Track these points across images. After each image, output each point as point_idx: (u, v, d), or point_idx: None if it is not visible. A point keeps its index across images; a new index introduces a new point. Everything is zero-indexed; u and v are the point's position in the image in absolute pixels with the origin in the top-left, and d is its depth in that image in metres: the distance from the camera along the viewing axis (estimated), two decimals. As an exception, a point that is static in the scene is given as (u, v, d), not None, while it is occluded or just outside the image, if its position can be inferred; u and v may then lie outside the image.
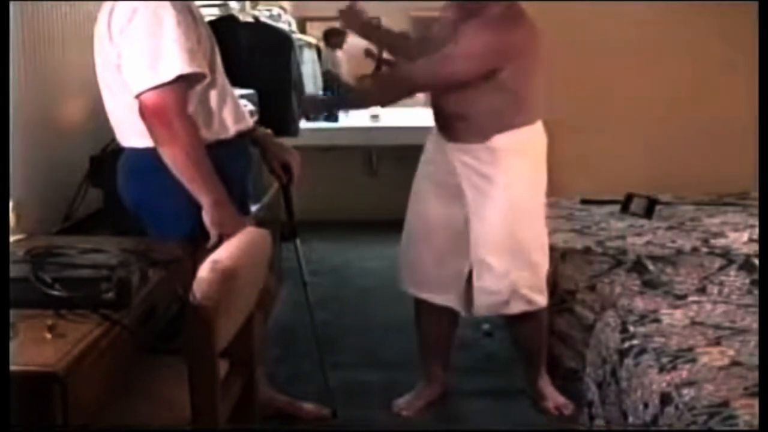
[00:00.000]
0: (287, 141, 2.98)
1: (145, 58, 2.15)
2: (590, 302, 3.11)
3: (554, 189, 4.18)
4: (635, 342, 2.23)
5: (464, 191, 2.82)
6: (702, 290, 2.98)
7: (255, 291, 2.11)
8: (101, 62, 2.31)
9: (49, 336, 1.57)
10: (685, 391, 1.90)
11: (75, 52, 2.78)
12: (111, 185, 2.44)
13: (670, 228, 3.49)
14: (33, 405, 1.47)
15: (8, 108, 2.22)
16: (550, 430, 2.94)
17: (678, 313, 2.38)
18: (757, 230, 3.23)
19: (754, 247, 3.13)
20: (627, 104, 4.29)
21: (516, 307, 2.87)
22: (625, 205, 3.78)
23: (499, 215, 2.80)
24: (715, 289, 3.00)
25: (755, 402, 1.77)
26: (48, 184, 2.63)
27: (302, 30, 6.79)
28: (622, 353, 2.24)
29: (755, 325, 2.26)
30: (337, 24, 7.62)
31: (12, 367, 1.44)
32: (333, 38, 7.47)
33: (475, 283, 2.84)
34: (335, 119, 6.22)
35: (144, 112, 2.17)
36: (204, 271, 1.78)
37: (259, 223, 2.59)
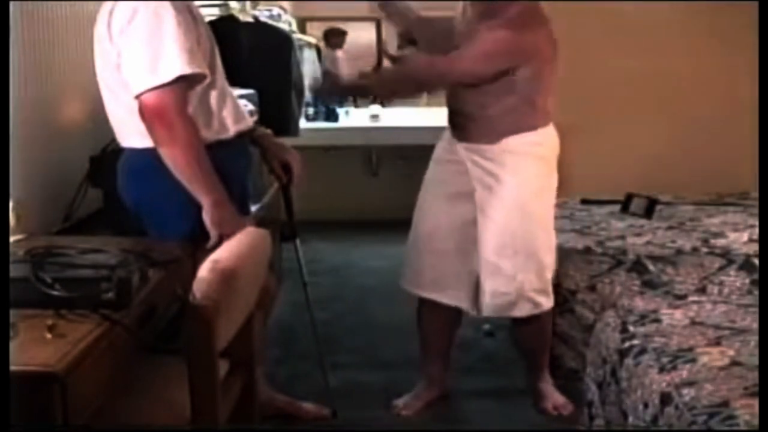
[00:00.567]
0: (287, 141, 2.98)
1: (145, 59, 2.15)
2: (590, 302, 3.11)
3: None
4: (635, 342, 2.23)
5: (474, 191, 2.81)
6: (702, 290, 2.98)
7: (255, 291, 2.11)
8: (101, 62, 2.31)
9: (49, 336, 1.57)
10: (685, 391, 1.90)
11: (75, 52, 2.78)
12: (111, 185, 2.44)
13: (670, 228, 3.49)
14: (33, 405, 1.47)
15: (8, 108, 2.22)
16: (550, 430, 2.94)
17: (678, 313, 2.38)
18: (757, 230, 3.23)
19: (754, 247, 3.13)
20: (627, 104, 4.29)
21: (522, 310, 2.87)
22: (625, 205, 3.78)
23: (509, 216, 2.80)
24: (715, 289, 3.00)
25: (755, 402, 1.77)
26: (48, 184, 2.63)
27: (302, 30, 6.78)
28: (622, 353, 2.24)
29: (755, 325, 2.26)
30: (337, 24, 7.64)
31: (12, 367, 1.44)
32: (333, 38, 7.47)
33: (483, 284, 2.83)
34: (335, 119, 6.22)
35: (144, 113, 2.17)
36: (204, 271, 1.78)
37: (259, 223, 2.59)
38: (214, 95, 2.35)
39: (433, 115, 6.56)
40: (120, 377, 1.78)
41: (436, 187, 2.93)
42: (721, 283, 3.02)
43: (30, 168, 2.49)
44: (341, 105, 6.68)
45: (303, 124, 5.19)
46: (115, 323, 1.67)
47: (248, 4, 4.68)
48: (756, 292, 2.85)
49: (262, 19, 4.62)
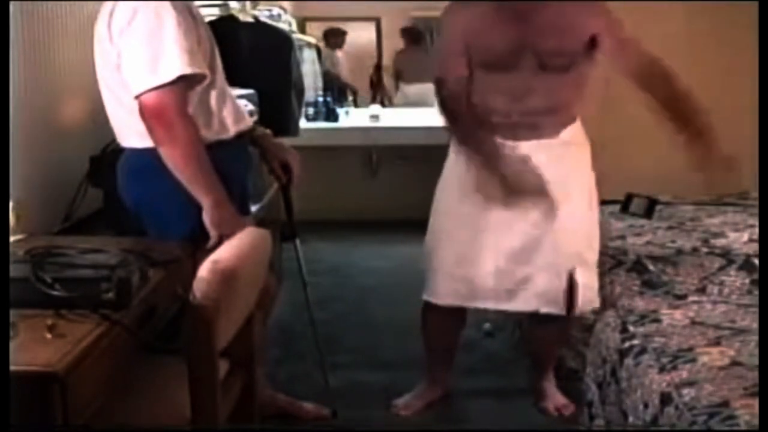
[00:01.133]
0: (287, 141, 2.98)
1: (145, 59, 2.15)
2: (590, 302, 3.10)
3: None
4: (635, 342, 2.23)
5: (546, 190, 2.70)
6: (702, 290, 2.98)
7: (255, 291, 2.11)
8: (101, 62, 2.31)
9: (49, 336, 1.57)
10: (685, 391, 1.90)
11: (75, 52, 2.78)
12: (111, 185, 2.44)
13: (670, 228, 3.49)
14: (33, 405, 1.47)
15: (8, 108, 2.22)
16: (550, 430, 2.94)
17: (678, 313, 2.38)
18: (757, 230, 3.23)
19: (754, 247, 3.13)
20: (627, 104, 4.28)
21: (594, 303, 2.82)
22: (625, 205, 3.78)
23: (584, 207, 2.79)
24: (715, 289, 3.00)
25: (755, 402, 1.77)
26: (48, 184, 2.63)
27: (302, 30, 6.79)
28: (622, 353, 2.24)
29: (755, 325, 2.26)
30: (337, 24, 7.65)
31: (12, 367, 1.44)
32: (333, 38, 7.48)
33: (578, 279, 2.76)
34: (335, 119, 6.23)
35: (144, 113, 2.17)
36: (204, 271, 1.78)
37: (259, 223, 2.59)
38: (214, 95, 2.35)
39: (433, 115, 6.58)
40: (120, 377, 1.78)
41: (487, 195, 2.73)
42: (721, 283, 3.02)
43: (30, 168, 2.49)
44: (341, 105, 6.70)
45: (303, 124, 5.19)
46: (115, 323, 1.67)
47: (248, 4, 4.68)
48: (756, 292, 2.85)
49: (262, 19, 4.62)
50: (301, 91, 4.39)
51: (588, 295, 2.80)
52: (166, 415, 1.90)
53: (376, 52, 8.25)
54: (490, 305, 2.87)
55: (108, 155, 2.59)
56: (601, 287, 3.00)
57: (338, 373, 3.16)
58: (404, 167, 6.02)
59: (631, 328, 2.31)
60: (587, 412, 2.51)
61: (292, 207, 2.94)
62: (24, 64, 2.48)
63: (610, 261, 3.14)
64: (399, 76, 7.78)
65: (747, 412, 1.75)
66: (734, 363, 2.01)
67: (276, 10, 5.21)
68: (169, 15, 2.17)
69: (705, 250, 3.17)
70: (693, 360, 2.04)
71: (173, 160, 2.19)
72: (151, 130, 2.18)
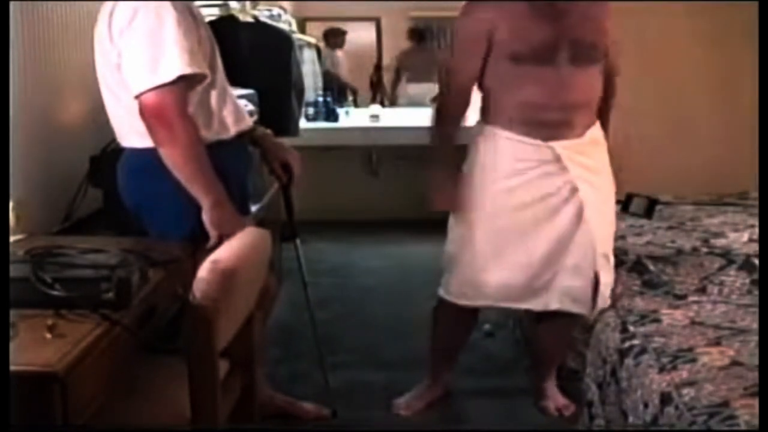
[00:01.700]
0: (287, 141, 2.98)
1: (146, 59, 2.15)
2: (590, 302, 3.10)
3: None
4: (635, 342, 2.23)
5: (576, 190, 2.68)
6: (702, 290, 2.98)
7: (255, 291, 2.11)
8: (101, 62, 2.31)
9: (49, 336, 1.57)
10: (685, 391, 1.90)
11: (75, 52, 2.78)
12: (111, 185, 2.44)
13: (670, 228, 3.49)
14: (33, 405, 1.47)
15: (8, 108, 2.22)
16: (550, 430, 2.94)
17: (678, 313, 2.38)
18: (757, 230, 3.23)
19: (754, 247, 3.13)
20: (627, 104, 4.28)
21: (607, 302, 2.79)
22: (625, 205, 3.78)
23: (609, 207, 2.79)
24: (715, 289, 3.00)
25: (755, 402, 1.77)
26: (48, 184, 2.63)
27: (302, 30, 6.79)
28: (622, 353, 2.25)
29: (755, 325, 2.26)
30: (337, 24, 7.65)
31: (12, 367, 1.44)
32: (333, 38, 7.48)
33: (601, 278, 2.74)
34: (335, 119, 6.23)
35: (144, 113, 2.17)
36: (204, 271, 1.78)
37: (259, 223, 2.59)
38: (214, 95, 2.35)
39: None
40: (120, 377, 1.78)
41: (519, 198, 2.70)
42: (721, 283, 3.01)
43: (30, 168, 2.49)
44: (341, 105, 6.70)
45: (303, 124, 5.19)
46: (115, 323, 1.67)
47: (248, 4, 4.68)
48: (756, 292, 2.85)
49: (262, 19, 4.62)
50: (301, 91, 4.39)
51: (606, 294, 2.79)
52: (166, 415, 1.90)
53: (376, 52, 8.26)
54: (514, 305, 2.84)
55: (108, 155, 2.59)
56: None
57: (338, 373, 3.16)
58: (404, 167, 6.02)
59: (631, 328, 2.31)
60: (587, 412, 2.51)
61: (292, 207, 2.94)
62: (24, 64, 2.48)
63: (610, 261, 3.14)
64: (402, 76, 7.80)
65: (747, 412, 1.75)
66: (734, 363, 2.01)
67: (276, 10, 5.22)
68: (169, 15, 2.17)
69: (705, 250, 3.17)
70: (693, 360, 2.04)
71: (173, 160, 2.19)
72: (150, 130, 2.18)
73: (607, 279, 2.76)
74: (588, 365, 2.55)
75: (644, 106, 4.26)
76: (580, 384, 2.69)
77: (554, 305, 2.77)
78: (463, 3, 2.71)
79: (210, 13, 4.03)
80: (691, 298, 2.70)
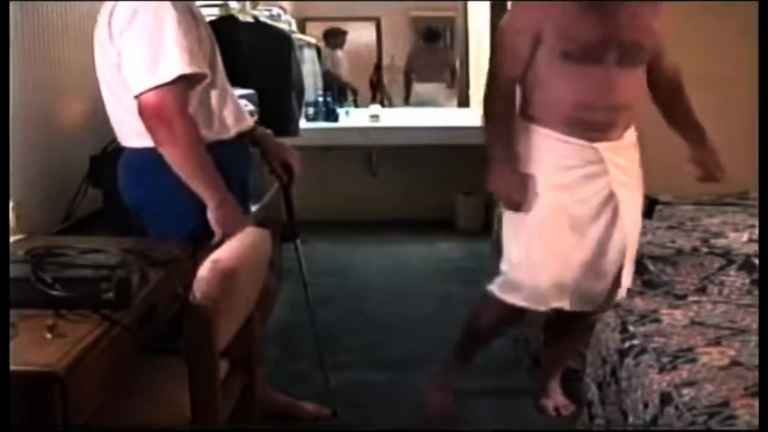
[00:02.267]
0: (287, 141, 2.98)
1: (146, 59, 2.15)
2: (590, 302, 3.10)
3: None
4: (635, 342, 2.23)
5: (614, 193, 2.65)
6: (702, 290, 2.97)
7: (255, 291, 2.11)
8: (102, 62, 2.31)
9: (49, 336, 1.57)
10: (685, 391, 1.90)
11: (75, 52, 2.78)
12: (111, 185, 2.44)
13: (670, 228, 3.49)
14: (33, 405, 1.47)
15: (8, 108, 2.22)
16: (550, 430, 2.94)
17: (678, 313, 2.38)
18: (757, 230, 3.23)
19: (754, 247, 3.12)
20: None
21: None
22: (625, 205, 3.77)
23: (639, 211, 2.78)
24: (715, 289, 3.00)
25: (755, 402, 1.77)
26: (48, 184, 2.63)
27: (302, 30, 6.80)
28: (622, 353, 2.24)
29: (755, 325, 2.26)
30: (337, 24, 7.66)
31: (12, 367, 1.44)
32: (333, 38, 7.49)
33: (623, 281, 2.73)
34: (335, 119, 6.23)
35: (144, 113, 2.16)
36: (204, 271, 1.78)
37: (259, 223, 2.59)
38: (214, 95, 2.35)
39: (433, 115, 6.60)
40: (120, 377, 1.78)
41: (563, 198, 2.64)
42: (721, 283, 3.01)
43: (30, 168, 2.49)
44: (341, 105, 6.71)
45: (303, 124, 5.19)
46: (115, 323, 1.67)
47: (248, 4, 4.68)
48: (756, 292, 2.84)
49: (262, 19, 4.62)
50: (301, 91, 4.39)
51: (622, 295, 2.76)
52: (166, 415, 1.90)
53: (376, 52, 8.26)
54: (553, 305, 2.77)
55: (108, 155, 2.59)
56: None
57: (338, 373, 3.16)
58: (404, 167, 6.03)
59: (631, 328, 2.31)
60: (587, 412, 2.51)
61: (293, 207, 2.94)
62: (24, 64, 2.48)
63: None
64: (411, 75, 7.82)
65: (747, 412, 1.75)
66: (734, 363, 2.01)
67: (276, 10, 5.22)
68: (169, 14, 2.17)
69: (705, 250, 3.16)
70: (693, 360, 2.04)
71: (173, 159, 2.19)
72: (151, 130, 2.18)
73: (627, 282, 2.75)
74: (588, 365, 2.54)
75: (644, 106, 4.26)
76: (580, 384, 2.69)
77: (574, 306, 2.74)
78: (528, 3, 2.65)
79: (210, 13, 4.03)
80: (691, 298, 2.70)
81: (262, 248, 2.10)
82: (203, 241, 2.23)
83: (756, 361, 1.99)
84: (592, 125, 2.61)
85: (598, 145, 2.62)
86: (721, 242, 3.22)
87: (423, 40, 7.78)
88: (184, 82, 2.18)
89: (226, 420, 1.97)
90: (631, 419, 2.12)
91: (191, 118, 2.21)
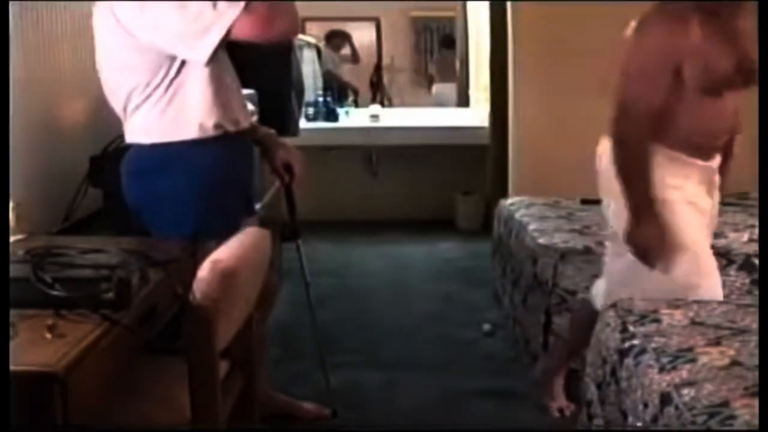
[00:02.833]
0: (287, 141, 2.98)
1: (200, 23, 2.16)
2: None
3: (554, 189, 4.21)
4: (635, 342, 2.23)
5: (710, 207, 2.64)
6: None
7: (255, 291, 2.11)
8: (115, 47, 2.28)
9: (49, 336, 1.57)
10: (685, 391, 1.90)
11: (75, 52, 2.79)
12: (111, 185, 2.44)
13: (670, 228, 3.48)
14: (33, 405, 1.47)
15: (8, 108, 2.22)
16: (550, 430, 2.94)
17: (678, 313, 2.38)
18: (757, 230, 3.23)
19: (754, 247, 3.13)
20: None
21: None
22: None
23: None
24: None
25: (755, 402, 1.77)
26: (48, 184, 2.63)
27: (302, 30, 6.79)
28: (622, 353, 2.24)
29: (755, 325, 2.26)
30: (337, 24, 7.66)
31: (12, 367, 1.44)
32: (334, 39, 7.49)
33: None
34: (335, 119, 6.23)
35: (248, 32, 2.20)
36: (204, 271, 1.78)
37: (260, 222, 2.59)
38: (228, 82, 2.36)
39: (433, 116, 6.60)
40: (120, 377, 1.78)
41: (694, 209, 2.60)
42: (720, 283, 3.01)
43: (30, 168, 2.49)
44: (341, 105, 6.71)
45: (303, 124, 5.20)
46: (115, 323, 1.67)
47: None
48: (756, 292, 2.84)
49: (262, 19, 4.61)
50: (301, 91, 4.39)
51: None
52: (166, 415, 1.90)
53: (376, 52, 8.26)
54: None
55: (108, 155, 2.59)
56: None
57: (338, 373, 3.16)
58: (404, 167, 6.03)
59: (631, 328, 2.31)
60: (586, 412, 2.50)
61: (294, 207, 2.93)
62: (24, 64, 2.48)
63: (610, 261, 3.13)
64: (432, 80, 8.00)
65: (747, 412, 1.75)
66: (734, 363, 2.01)
67: (276, 10, 5.21)
68: None
69: (705, 250, 3.16)
70: (693, 360, 2.04)
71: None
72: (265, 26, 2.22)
73: None
74: (588, 365, 2.54)
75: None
76: (580, 384, 2.69)
77: None
78: (642, 20, 2.55)
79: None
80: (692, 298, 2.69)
81: (262, 248, 2.10)
82: (203, 242, 2.23)
83: (756, 361, 1.99)
84: (711, 148, 2.57)
85: (710, 164, 2.59)
86: (721, 242, 3.22)
87: (442, 47, 7.99)
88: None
89: (226, 420, 1.96)
90: (630, 419, 2.12)
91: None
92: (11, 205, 2.25)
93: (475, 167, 5.64)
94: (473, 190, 5.76)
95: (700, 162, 2.56)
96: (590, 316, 2.70)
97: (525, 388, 3.14)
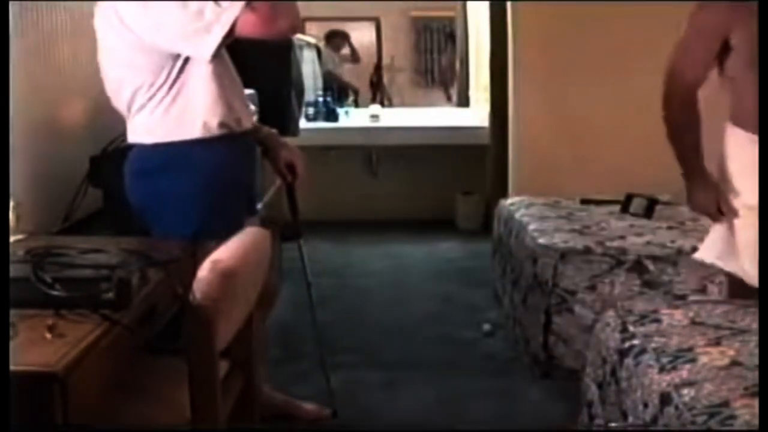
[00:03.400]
0: (287, 141, 2.98)
1: (202, 20, 2.17)
2: (590, 302, 3.11)
3: (554, 189, 4.21)
4: (635, 342, 2.23)
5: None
6: (702, 290, 2.98)
7: (255, 291, 2.11)
8: (117, 47, 2.29)
9: (49, 336, 1.57)
10: (684, 391, 1.90)
11: (75, 52, 2.78)
12: (111, 185, 2.45)
13: (670, 228, 3.49)
14: (33, 405, 1.47)
15: (8, 108, 2.22)
16: (550, 430, 2.94)
17: (678, 313, 2.38)
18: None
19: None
20: (627, 104, 4.29)
21: None
22: (625, 205, 3.78)
23: None
24: (715, 289, 3.00)
25: (755, 402, 1.77)
26: (48, 184, 2.63)
27: (302, 30, 6.79)
28: (622, 353, 2.24)
29: (755, 325, 2.26)
30: (337, 24, 7.65)
31: (12, 367, 1.44)
32: (334, 39, 7.48)
33: None
34: (335, 119, 6.23)
35: (251, 29, 2.20)
36: (204, 271, 1.78)
37: (261, 222, 2.59)
38: (229, 82, 2.36)
39: (433, 116, 6.60)
40: (120, 377, 1.78)
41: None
42: (720, 283, 3.01)
43: (30, 168, 2.49)
44: (341, 105, 6.71)
45: (303, 124, 5.20)
46: (115, 323, 1.67)
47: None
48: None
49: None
50: (301, 91, 4.39)
51: None
52: (166, 415, 1.90)
53: (376, 52, 8.26)
54: None
55: (108, 155, 2.59)
56: (602, 287, 3.02)
57: (338, 373, 3.16)
58: (404, 167, 6.03)
59: (631, 328, 2.31)
60: (587, 412, 2.50)
61: (297, 207, 2.93)
62: (24, 64, 2.48)
63: (610, 261, 3.14)
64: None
65: (747, 412, 1.75)
66: (734, 363, 2.01)
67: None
68: None
69: (705, 250, 3.16)
70: (693, 360, 2.04)
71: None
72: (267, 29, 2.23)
73: None
74: (588, 365, 2.54)
75: (645, 107, 4.26)
76: (580, 384, 2.69)
77: None
78: (695, 3, 2.55)
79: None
80: (691, 298, 2.70)
81: (262, 248, 2.10)
82: (206, 241, 2.23)
83: (756, 360, 1.99)
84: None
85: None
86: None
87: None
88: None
89: (226, 420, 1.96)
90: (630, 419, 2.12)
91: None
92: (11, 205, 2.24)
93: (475, 167, 5.64)
94: (473, 190, 5.76)
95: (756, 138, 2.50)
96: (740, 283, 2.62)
97: (525, 388, 3.14)
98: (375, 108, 6.45)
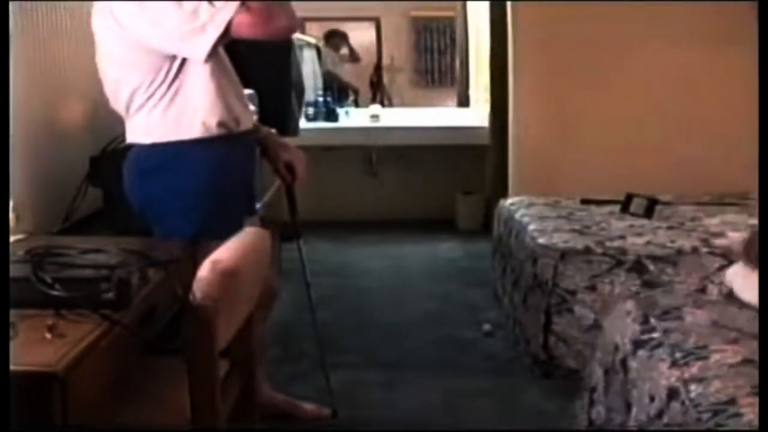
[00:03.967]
0: (287, 141, 2.98)
1: (196, 20, 2.16)
2: (590, 302, 3.10)
3: (554, 189, 4.21)
4: (654, 335, 2.20)
5: None
6: (702, 290, 2.97)
7: (255, 291, 2.10)
8: (114, 48, 2.29)
9: (49, 336, 1.57)
10: (692, 386, 1.88)
11: (75, 53, 2.78)
12: (111, 185, 2.45)
13: (670, 228, 3.49)
14: (33, 405, 1.47)
15: (8, 108, 2.22)
16: (550, 430, 2.94)
17: (700, 313, 2.36)
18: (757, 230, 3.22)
19: (755, 247, 3.12)
20: (627, 104, 4.29)
21: None
22: (625, 205, 3.78)
23: None
24: (715, 289, 3.00)
25: (761, 401, 1.76)
26: (48, 184, 2.63)
27: (302, 30, 6.79)
28: (638, 344, 2.22)
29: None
30: (337, 24, 7.66)
31: (12, 367, 1.44)
32: (333, 39, 7.48)
33: None
34: (335, 119, 6.23)
35: (246, 30, 2.19)
36: (204, 271, 1.78)
37: (260, 222, 2.59)
38: (228, 82, 2.36)
39: (433, 116, 6.60)
40: (120, 377, 1.78)
41: None
42: (720, 283, 3.01)
43: (30, 168, 2.49)
44: (341, 105, 6.71)
45: (303, 124, 5.19)
46: (115, 323, 1.66)
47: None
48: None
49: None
50: (301, 91, 4.39)
51: None
52: (166, 415, 1.90)
53: (376, 52, 8.26)
54: None
55: (108, 155, 2.59)
56: (602, 287, 3.00)
57: (338, 373, 3.16)
58: (404, 167, 6.03)
59: (653, 321, 2.28)
60: (588, 397, 2.48)
61: (296, 207, 2.93)
62: (24, 65, 2.48)
63: (610, 261, 3.14)
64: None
65: (752, 410, 1.73)
66: (746, 360, 1.99)
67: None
68: None
69: (705, 250, 3.16)
70: (705, 357, 2.02)
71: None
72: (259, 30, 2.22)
73: None
74: (597, 349, 2.51)
75: (645, 107, 4.26)
76: (579, 384, 2.68)
77: None
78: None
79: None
80: (714, 299, 2.67)
81: (262, 248, 2.10)
82: (206, 241, 2.23)
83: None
84: None
85: None
86: (721, 242, 3.22)
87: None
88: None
89: (226, 420, 1.96)
90: (635, 411, 2.11)
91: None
92: (11, 205, 2.24)
93: (475, 167, 5.64)
94: (473, 190, 5.76)
95: None
96: None
97: (525, 388, 3.14)
98: (375, 108, 6.45)
